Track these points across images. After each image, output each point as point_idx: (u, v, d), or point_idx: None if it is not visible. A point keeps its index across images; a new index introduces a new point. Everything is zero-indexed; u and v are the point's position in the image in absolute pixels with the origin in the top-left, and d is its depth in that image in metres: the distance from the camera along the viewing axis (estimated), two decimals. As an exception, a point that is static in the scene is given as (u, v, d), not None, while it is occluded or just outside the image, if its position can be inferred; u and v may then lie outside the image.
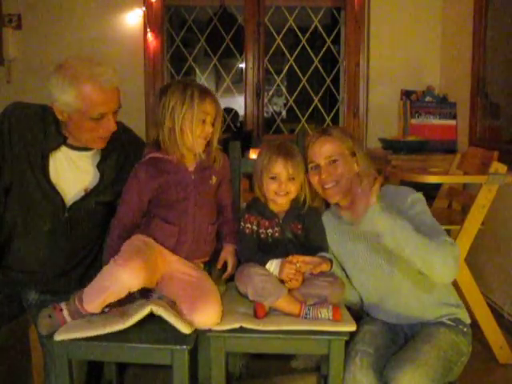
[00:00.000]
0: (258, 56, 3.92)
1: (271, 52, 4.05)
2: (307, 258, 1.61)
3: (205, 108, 1.63)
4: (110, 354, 1.55)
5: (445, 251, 1.50)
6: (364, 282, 1.74)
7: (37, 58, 3.65)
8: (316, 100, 4.13)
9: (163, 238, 1.67)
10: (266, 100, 4.17)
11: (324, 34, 4.08)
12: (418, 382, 1.43)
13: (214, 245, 1.79)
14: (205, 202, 1.72)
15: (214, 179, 1.74)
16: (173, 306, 1.60)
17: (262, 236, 1.73)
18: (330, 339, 1.53)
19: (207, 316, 1.53)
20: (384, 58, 3.76)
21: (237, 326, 1.54)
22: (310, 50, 4.09)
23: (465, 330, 1.66)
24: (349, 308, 1.69)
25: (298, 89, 4.16)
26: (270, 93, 4.79)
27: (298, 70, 4.10)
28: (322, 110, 4.17)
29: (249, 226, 1.73)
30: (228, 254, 1.79)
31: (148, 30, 3.72)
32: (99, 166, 1.72)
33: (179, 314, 1.56)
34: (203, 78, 4.32)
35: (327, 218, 1.81)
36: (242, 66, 4.10)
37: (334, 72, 4.13)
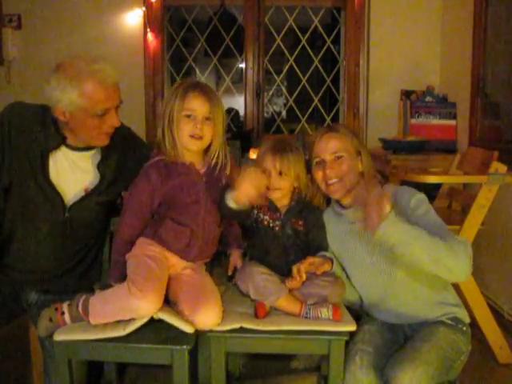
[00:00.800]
0: (258, 56, 3.93)
1: (271, 52, 4.05)
2: (309, 260, 1.61)
3: (188, 103, 1.61)
4: (110, 354, 1.55)
5: (458, 251, 1.50)
6: (364, 282, 1.74)
7: (37, 58, 3.65)
8: (316, 100, 4.13)
9: (175, 240, 1.65)
10: (266, 100, 4.17)
11: (324, 34, 4.08)
12: (418, 381, 1.44)
13: (217, 246, 1.79)
14: (214, 204, 1.69)
15: (223, 180, 1.71)
16: (173, 306, 1.60)
17: (265, 223, 1.73)
18: (330, 339, 1.53)
19: (208, 317, 1.53)
20: (384, 58, 3.77)
21: (237, 326, 1.54)
22: (310, 50, 4.09)
23: (464, 328, 1.66)
24: (349, 308, 1.69)
25: (298, 89, 4.16)
26: (270, 93, 4.79)
27: (298, 70, 4.10)
28: (322, 110, 4.17)
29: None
30: (237, 260, 1.79)
31: (148, 29, 3.72)
32: (99, 166, 1.72)
33: (180, 314, 1.56)
34: (203, 78, 4.32)
35: (328, 217, 1.81)
36: (242, 66, 4.10)
37: (334, 72, 4.13)
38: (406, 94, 3.68)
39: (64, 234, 1.72)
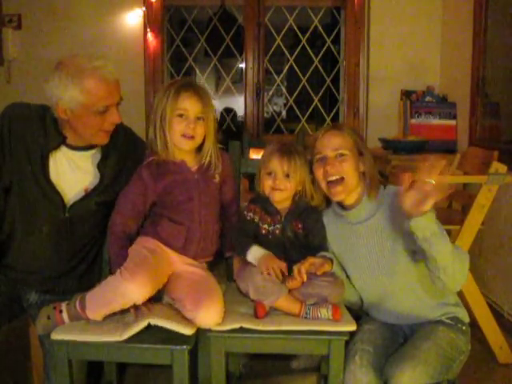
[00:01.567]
0: (257, 56, 3.93)
1: (271, 52, 4.05)
2: (310, 260, 1.61)
3: (181, 103, 1.62)
4: (110, 354, 1.55)
5: (462, 260, 1.53)
6: (364, 282, 1.74)
7: (37, 58, 3.65)
8: (316, 100, 4.13)
9: (172, 238, 1.67)
10: (265, 100, 4.17)
11: (324, 34, 4.09)
12: (417, 380, 1.44)
13: (218, 243, 1.79)
14: (210, 201, 1.71)
15: (217, 177, 1.73)
16: (173, 303, 1.61)
17: (263, 232, 1.72)
18: (330, 339, 1.53)
19: (210, 314, 1.53)
20: (384, 58, 3.77)
21: (237, 326, 1.54)
22: (310, 50, 4.09)
23: (463, 328, 1.67)
24: (349, 308, 1.69)
25: (298, 89, 4.16)
26: (270, 93, 4.79)
27: (298, 70, 4.10)
28: (322, 110, 4.17)
29: (251, 215, 1.72)
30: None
31: (148, 29, 3.73)
32: (99, 166, 1.72)
33: (182, 309, 1.56)
34: (203, 78, 4.32)
35: (328, 218, 1.80)
36: (242, 66, 4.10)
37: (334, 72, 4.13)
38: (406, 94, 3.68)
39: (64, 233, 1.72)
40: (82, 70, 1.57)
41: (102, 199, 1.74)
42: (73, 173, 1.72)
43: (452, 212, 2.80)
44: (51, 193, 1.68)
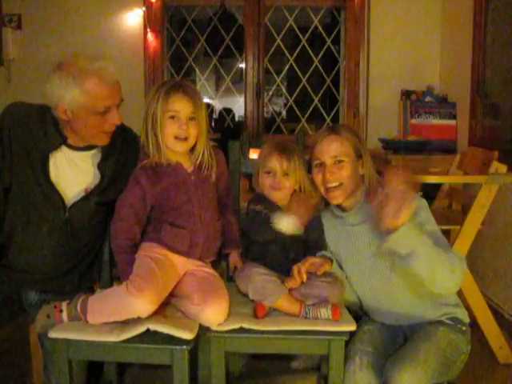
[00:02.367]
0: (257, 56, 3.93)
1: (271, 52, 4.05)
2: (310, 260, 1.61)
3: (171, 105, 1.60)
4: (110, 354, 1.55)
5: (453, 266, 1.50)
6: (363, 284, 1.74)
7: (37, 58, 3.65)
8: (316, 100, 4.13)
9: (176, 243, 1.65)
10: (266, 100, 4.17)
11: (324, 34, 4.08)
12: (417, 380, 1.44)
13: (220, 241, 1.78)
14: (208, 201, 1.71)
15: (213, 176, 1.72)
16: (175, 301, 1.61)
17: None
18: (330, 339, 1.53)
19: (216, 312, 1.53)
20: (384, 58, 3.77)
21: (237, 326, 1.54)
22: (310, 50, 4.09)
23: (464, 328, 1.66)
24: (348, 308, 1.69)
25: (298, 89, 4.16)
26: (270, 93, 4.79)
27: (298, 70, 4.10)
28: (322, 110, 4.17)
29: (258, 207, 1.73)
30: (237, 260, 1.78)
31: (148, 29, 3.73)
32: (100, 166, 1.72)
33: (189, 303, 1.56)
34: (203, 78, 4.32)
35: (326, 218, 1.81)
36: (242, 66, 4.10)
37: (334, 72, 4.13)
38: (406, 94, 3.68)
39: (64, 234, 1.72)
40: (83, 70, 1.57)
41: (102, 199, 1.74)
42: (73, 173, 1.72)
43: (452, 212, 2.80)
44: (51, 193, 1.68)
